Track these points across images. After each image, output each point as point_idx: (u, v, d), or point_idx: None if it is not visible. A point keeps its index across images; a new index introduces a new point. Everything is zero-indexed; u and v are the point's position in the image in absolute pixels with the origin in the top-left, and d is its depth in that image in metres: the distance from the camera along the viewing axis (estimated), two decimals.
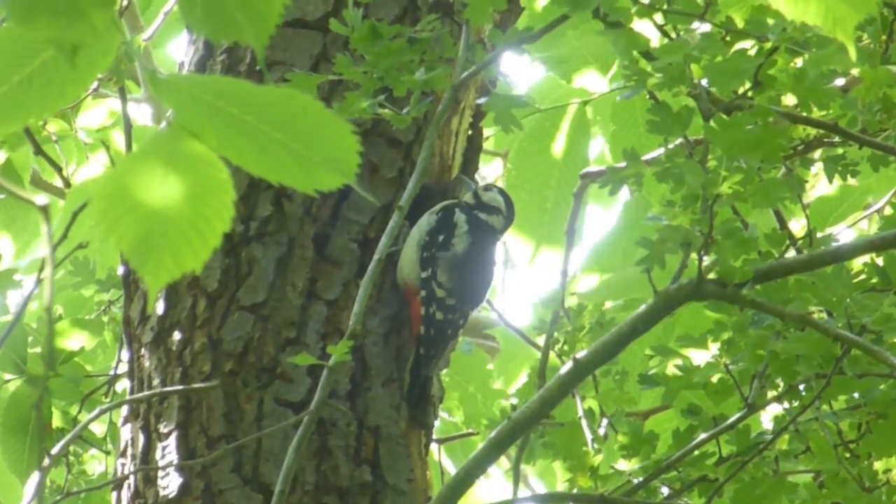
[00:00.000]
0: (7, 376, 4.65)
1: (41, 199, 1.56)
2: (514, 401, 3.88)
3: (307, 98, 1.61)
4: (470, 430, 5.35)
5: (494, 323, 6.04)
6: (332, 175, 1.62)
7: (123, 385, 4.65)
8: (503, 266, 7.00)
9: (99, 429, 4.80)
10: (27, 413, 4.53)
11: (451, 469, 5.57)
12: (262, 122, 1.60)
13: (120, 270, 4.66)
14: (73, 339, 4.67)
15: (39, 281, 3.58)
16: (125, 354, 3.91)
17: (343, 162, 1.61)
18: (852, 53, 2.03)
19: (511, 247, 6.51)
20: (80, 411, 4.63)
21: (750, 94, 3.13)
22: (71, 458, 4.74)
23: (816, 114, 3.29)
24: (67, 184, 5.02)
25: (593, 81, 5.22)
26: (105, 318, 4.77)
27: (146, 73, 1.58)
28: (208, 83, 1.59)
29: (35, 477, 4.52)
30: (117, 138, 5.61)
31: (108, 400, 4.62)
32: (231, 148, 1.60)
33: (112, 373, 4.64)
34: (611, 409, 3.65)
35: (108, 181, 1.60)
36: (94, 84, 4.68)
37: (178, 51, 7.04)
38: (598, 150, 5.64)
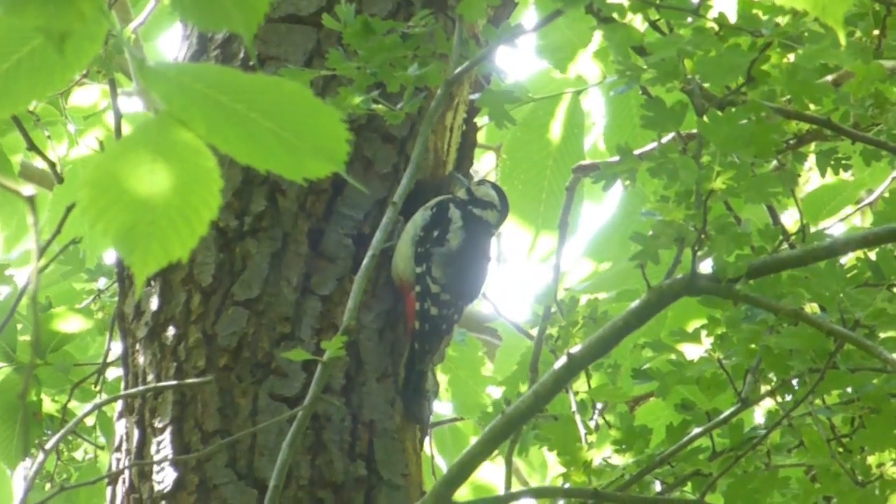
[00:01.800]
0: None
1: (28, 189, 1.56)
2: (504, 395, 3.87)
3: (297, 86, 1.61)
4: (455, 418, 5.38)
5: (494, 317, 6.05)
6: (321, 163, 1.62)
7: (113, 374, 4.66)
8: (496, 260, 7.00)
9: (89, 418, 4.79)
10: (16, 400, 4.53)
11: (437, 457, 5.58)
12: (251, 110, 1.60)
13: (110, 261, 4.67)
14: (63, 327, 4.67)
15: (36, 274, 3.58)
16: (119, 349, 3.91)
17: (332, 150, 1.61)
18: (842, 39, 2.03)
19: (504, 238, 6.50)
20: (69, 399, 4.63)
21: (743, 89, 3.13)
22: (60, 445, 4.74)
23: (809, 109, 3.30)
24: (60, 179, 5.02)
25: (587, 69, 5.21)
26: (94, 307, 4.77)
27: (135, 62, 1.58)
28: (197, 71, 1.60)
29: (24, 465, 4.53)
30: (110, 123, 5.61)
31: (97, 389, 4.62)
32: (220, 136, 1.60)
33: (101, 362, 4.64)
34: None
35: (96, 169, 1.60)
36: (84, 72, 4.68)
37: (168, 45, 7.04)
38: (592, 142, 5.64)
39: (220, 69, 1.61)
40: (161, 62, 1.61)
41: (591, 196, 5.88)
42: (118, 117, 4.20)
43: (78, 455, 4.91)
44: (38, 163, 5.89)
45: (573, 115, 5.20)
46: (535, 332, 3.96)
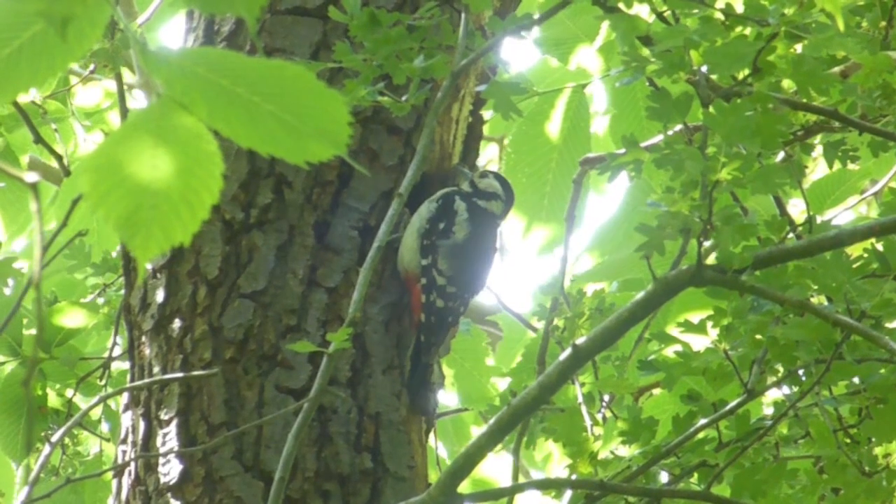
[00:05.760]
0: (1, 358, 4.66)
1: (31, 175, 1.56)
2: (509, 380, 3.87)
3: (298, 69, 1.61)
4: (460, 409, 5.39)
5: (496, 309, 6.05)
6: (323, 146, 1.62)
7: (118, 367, 4.66)
8: (500, 252, 7.00)
9: (94, 411, 4.80)
10: (22, 395, 4.54)
11: (440, 447, 5.58)
12: (253, 93, 1.60)
13: (116, 254, 4.67)
14: (68, 322, 4.68)
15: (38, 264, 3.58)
16: (126, 342, 3.92)
17: (334, 133, 1.61)
18: (840, 25, 2.02)
19: (507, 232, 6.51)
20: (74, 393, 4.64)
21: (749, 80, 3.13)
22: (66, 439, 4.74)
23: (816, 100, 3.29)
24: (67, 172, 5.03)
25: (590, 60, 5.21)
26: (100, 301, 4.78)
27: (137, 46, 1.58)
28: (199, 55, 1.60)
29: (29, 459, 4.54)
30: (114, 120, 5.62)
31: (102, 383, 4.63)
32: (221, 120, 1.60)
33: (107, 356, 4.65)
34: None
35: (98, 154, 1.60)
36: (92, 67, 4.70)
37: (171, 36, 7.04)
38: (592, 132, 5.63)
39: (221, 53, 1.60)
40: (162, 46, 1.61)
41: (595, 187, 5.88)
42: (124, 111, 4.21)
43: (83, 449, 4.91)
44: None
45: (578, 107, 5.20)
46: (539, 323, 3.96)
